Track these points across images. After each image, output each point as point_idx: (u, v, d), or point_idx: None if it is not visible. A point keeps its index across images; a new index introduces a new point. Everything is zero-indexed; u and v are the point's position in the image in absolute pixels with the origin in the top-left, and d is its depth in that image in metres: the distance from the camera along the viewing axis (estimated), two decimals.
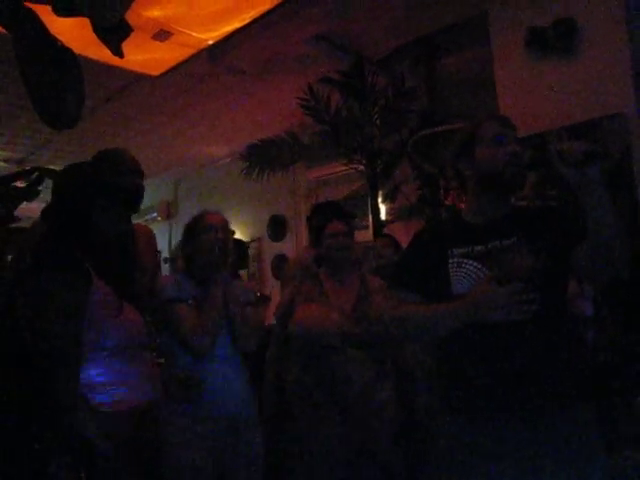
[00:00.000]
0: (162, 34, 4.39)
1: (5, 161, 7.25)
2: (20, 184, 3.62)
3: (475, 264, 1.71)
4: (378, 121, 4.97)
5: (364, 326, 2.68)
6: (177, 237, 9.43)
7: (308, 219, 3.64)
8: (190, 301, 2.46)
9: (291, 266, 3.62)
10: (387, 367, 2.79)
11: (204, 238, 2.54)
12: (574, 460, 1.56)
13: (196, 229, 2.60)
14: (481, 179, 1.79)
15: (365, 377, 2.66)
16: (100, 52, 2.47)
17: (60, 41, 1.51)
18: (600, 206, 1.53)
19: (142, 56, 4.64)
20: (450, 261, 1.75)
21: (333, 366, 2.66)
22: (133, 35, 1.64)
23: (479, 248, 1.73)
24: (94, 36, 1.56)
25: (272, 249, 7.08)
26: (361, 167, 5.02)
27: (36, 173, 3.54)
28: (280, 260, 6.80)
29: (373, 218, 5.00)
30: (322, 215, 3.26)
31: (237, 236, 7.44)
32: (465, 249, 1.74)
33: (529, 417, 1.60)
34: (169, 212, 8.97)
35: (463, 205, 1.92)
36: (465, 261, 1.73)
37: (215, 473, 2.33)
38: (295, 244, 6.87)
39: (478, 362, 1.67)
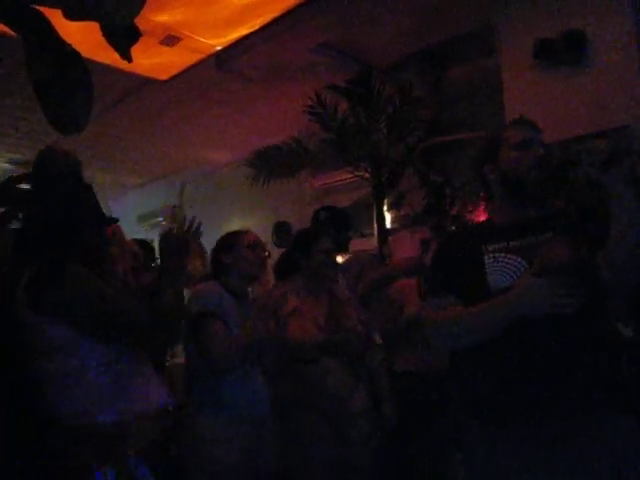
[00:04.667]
0: (170, 39, 4.40)
1: (11, 163, 7.27)
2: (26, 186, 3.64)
3: (513, 257, 1.67)
4: (385, 129, 4.97)
5: (339, 336, 2.68)
6: None
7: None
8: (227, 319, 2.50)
9: None
10: (362, 376, 2.80)
11: (246, 250, 2.67)
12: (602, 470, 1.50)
13: (238, 240, 2.70)
14: (506, 183, 1.77)
15: (341, 386, 2.66)
16: (108, 56, 2.47)
17: (69, 44, 1.51)
18: (626, 208, 1.49)
19: (150, 61, 4.65)
20: (486, 257, 1.71)
21: (309, 377, 2.66)
22: (141, 40, 1.63)
23: (515, 243, 1.69)
24: (102, 40, 1.56)
25: (276, 255, 7.07)
26: (367, 175, 5.02)
27: None
28: None
29: (378, 226, 5.00)
30: (332, 222, 3.28)
31: None
32: (500, 244, 1.71)
33: (564, 419, 1.55)
34: (174, 217, 8.97)
35: (469, 214, 1.92)
36: (502, 255, 1.69)
37: (245, 470, 2.41)
38: None
39: (515, 364, 1.61)
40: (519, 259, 1.66)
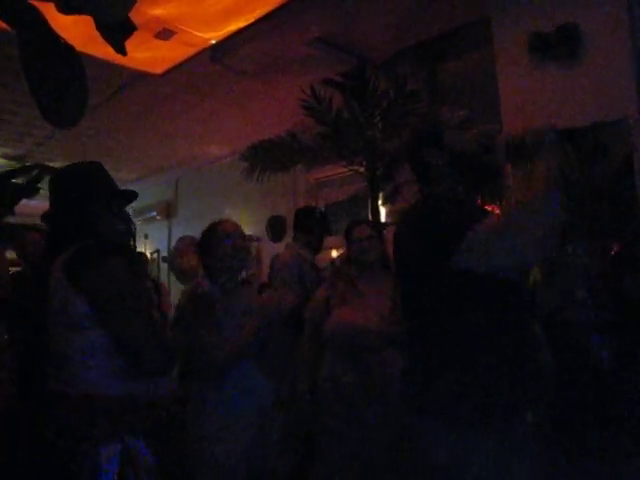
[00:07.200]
0: (165, 33, 4.38)
1: (5, 157, 7.25)
2: (20, 181, 3.63)
3: None
4: (379, 123, 4.96)
5: (402, 327, 2.69)
6: (176, 236, 9.47)
7: (309, 222, 3.72)
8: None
9: (281, 263, 3.64)
10: None
11: (223, 247, 2.60)
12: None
13: (213, 239, 2.65)
14: (454, 162, 1.77)
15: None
16: (103, 49, 2.46)
17: (63, 38, 1.51)
18: None
19: (145, 54, 4.64)
20: None
21: (372, 366, 2.68)
22: (136, 33, 1.64)
23: None
24: (97, 33, 1.56)
25: (271, 250, 7.08)
26: (362, 169, 5.01)
27: (36, 170, 3.55)
28: None
29: (373, 220, 5.00)
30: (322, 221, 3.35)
31: None
32: None
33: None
34: (168, 211, 8.97)
35: None
36: None
37: (246, 465, 2.42)
38: None
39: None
40: None
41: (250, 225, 7.54)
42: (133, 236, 2.29)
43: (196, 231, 2.73)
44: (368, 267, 2.93)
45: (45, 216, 2.01)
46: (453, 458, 1.60)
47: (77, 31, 2.41)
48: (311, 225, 3.79)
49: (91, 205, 1.95)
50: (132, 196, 2.12)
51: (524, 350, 1.65)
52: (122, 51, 1.60)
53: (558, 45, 3.59)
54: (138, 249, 9.11)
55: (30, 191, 3.50)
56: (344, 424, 2.70)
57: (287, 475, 2.83)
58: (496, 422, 1.59)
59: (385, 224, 5.04)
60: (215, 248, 2.63)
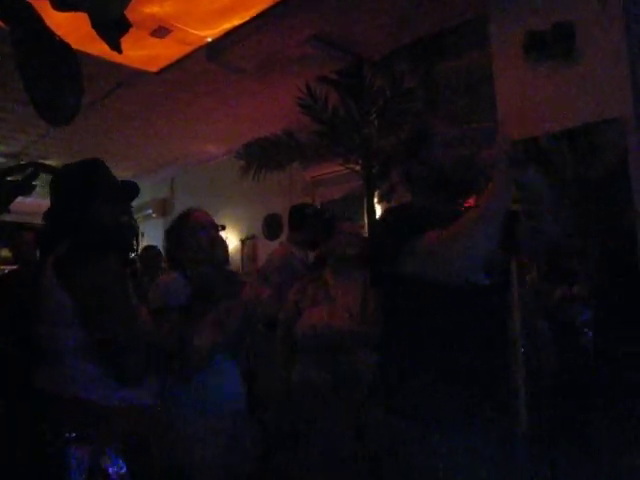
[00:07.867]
0: (161, 31, 4.37)
1: (0, 155, 7.23)
2: (16, 178, 3.63)
3: None
4: (375, 122, 4.97)
5: (372, 325, 2.66)
6: None
7: (302, 219, 3.71)
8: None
9: (273, 261, 3.63)
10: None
11: (198, 239, 2.51)
12: None
13: (185, 230, 2.55)
14: (431, 179, 1.78)
15: (374, 376, 2.66)
16: (98, 47, 2.46)
17: (58, 35, 1.50)
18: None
19: (140, 52, 4.62)
20: None
21: (342, 366, 2.66)
22: (131, 31, 1.63)
23: None
24: (92, 31, 1.55)
25: (267, 248, 7.08)
26: (358, 167, 5.01)
27: (31, 168, 3.55)
28: None
29: (369, 218, 5.00)
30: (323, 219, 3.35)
31: (233, 234, 7.46)
32: None
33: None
34: (164, 209, 8.95)
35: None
36: None
37: (224, 467, 2.37)
38: None
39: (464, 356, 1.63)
40: None
41: (246, 223, 7.54)
42: (136, 232, 2.26)
43: None
44: (346, 261, 2.89)
45: (47, 215, 1.99)
46: (438, 458, 1.59)
47: (72, 28, 2.40)
48: (304, 222, 3.77)
49: (93, 202, 1.94)
50: (134, 191, 2.11)
51: (502, 350, 1.67)
52: (118, 49, 1.60)
53: (554, 44, 3.59)
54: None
55: (25, 189, 3.49)
56: (317, 425, 2.68)
57: (274, 476, 2.82)
58: (480, 422, 1.58)
59: None
60: (188, 240, 2.50)
